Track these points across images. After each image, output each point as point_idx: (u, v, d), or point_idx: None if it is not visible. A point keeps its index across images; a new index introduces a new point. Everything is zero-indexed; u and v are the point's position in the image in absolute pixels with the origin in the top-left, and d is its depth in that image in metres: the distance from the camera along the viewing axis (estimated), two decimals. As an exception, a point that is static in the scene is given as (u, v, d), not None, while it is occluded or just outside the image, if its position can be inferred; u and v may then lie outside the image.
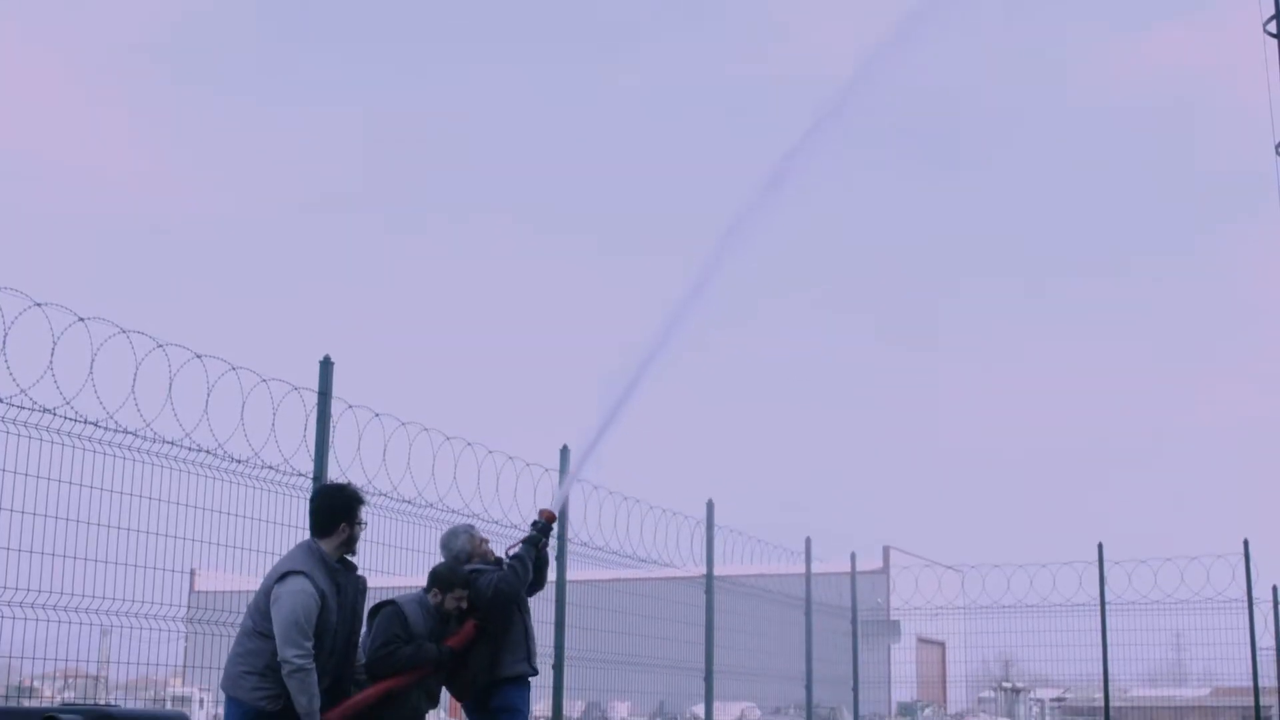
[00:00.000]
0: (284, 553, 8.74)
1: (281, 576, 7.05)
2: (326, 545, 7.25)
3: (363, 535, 7.50)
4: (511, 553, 8.38)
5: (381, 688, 7.61)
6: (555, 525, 8.63)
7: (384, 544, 9.70)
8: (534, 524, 8.53)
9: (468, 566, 8.20)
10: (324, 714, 7.16)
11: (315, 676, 7.01)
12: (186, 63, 77.58)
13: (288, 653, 6.91)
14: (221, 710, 10.88)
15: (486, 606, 8.07)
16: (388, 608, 7.87)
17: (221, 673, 7.36)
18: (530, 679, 8.47)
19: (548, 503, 8.93)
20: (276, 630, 6.94)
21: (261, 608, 7.10)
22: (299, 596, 6.98)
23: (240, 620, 8.59)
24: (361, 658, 7.68)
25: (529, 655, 8.40)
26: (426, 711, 8.13)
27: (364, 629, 7.75)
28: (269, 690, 6.99)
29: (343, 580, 7.24)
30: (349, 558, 7.38)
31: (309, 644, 6.96)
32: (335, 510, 7.33)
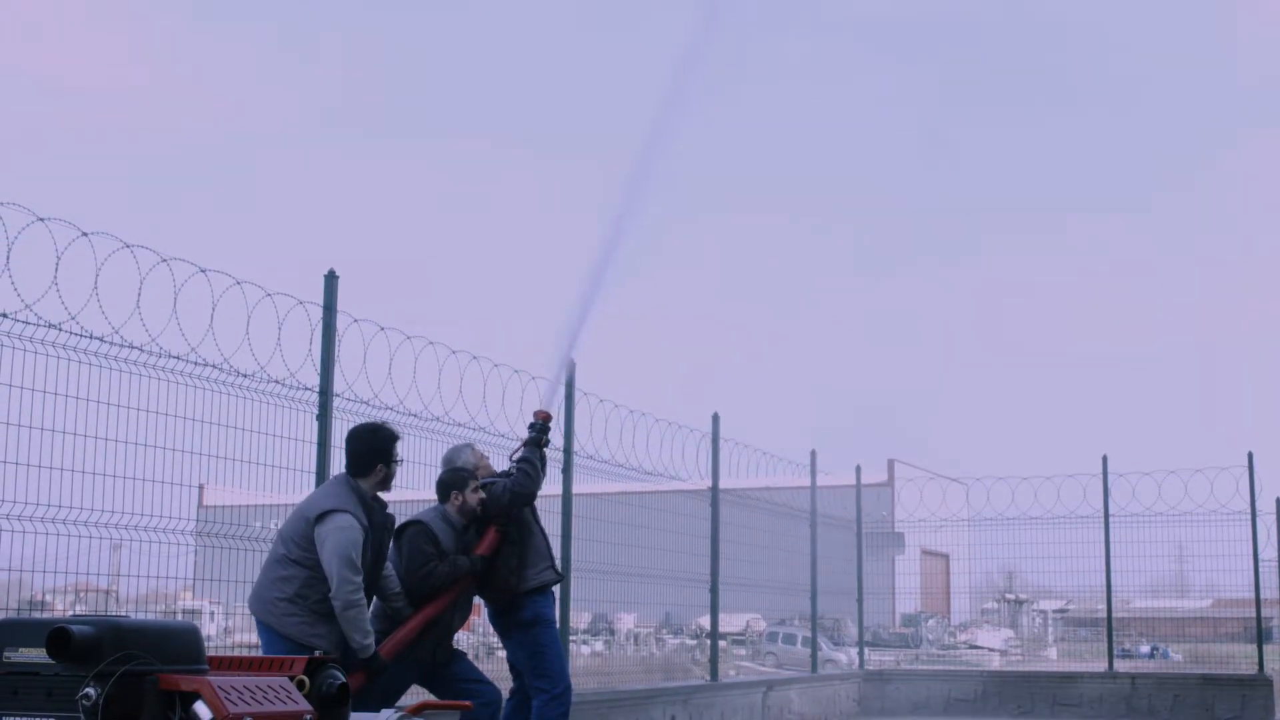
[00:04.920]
0: (291, 466, 8.82)
1: (323, 515, 7.06)
2: (364, 484, 7.28)
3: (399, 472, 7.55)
4: (517, 457, 8.46)
5: (423, 617, 7.69)
6: (551, 423, 8.71)
7: (391, 458, 9.74)
8: (531, 426, 8.61)
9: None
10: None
11: (367, 611, 7.08)
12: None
13: (341, 590, 6.96)
14: (231, 622, 10.99)
15: (505, 512, 8.20)
16: (414, 527, 7.93)
17: (254, 597, 7.36)
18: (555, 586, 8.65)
19: (540, 404, 9.00)
20: (328, 570, 6.97)
21: (294, 537, 7.12)
22: (346, 533, 7.01)
23: (247, 532, 8.66)
24: (391, 583, 7.70)
25: (552, 561, 8.56)
26: (459, 626, 8.23)
27: (391, 552, 7.81)
28: (300, 618, 7.04)
29: (376, 519, 7.28)
30: (381, 495, 7.41)
31: (359, 578, 7.02)
32: (373, 451, 7.34)
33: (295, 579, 7.06)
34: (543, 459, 8.54)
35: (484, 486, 8.23)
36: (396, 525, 7.79)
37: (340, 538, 6.99)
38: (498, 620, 8.53)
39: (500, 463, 8.94)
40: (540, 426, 8.59)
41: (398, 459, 7.47)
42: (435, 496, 8.31)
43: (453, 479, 8.19)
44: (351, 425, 7.79)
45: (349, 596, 6.97)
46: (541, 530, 8.59)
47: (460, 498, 8.10)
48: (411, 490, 9.70)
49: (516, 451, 8.54)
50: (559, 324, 8.86)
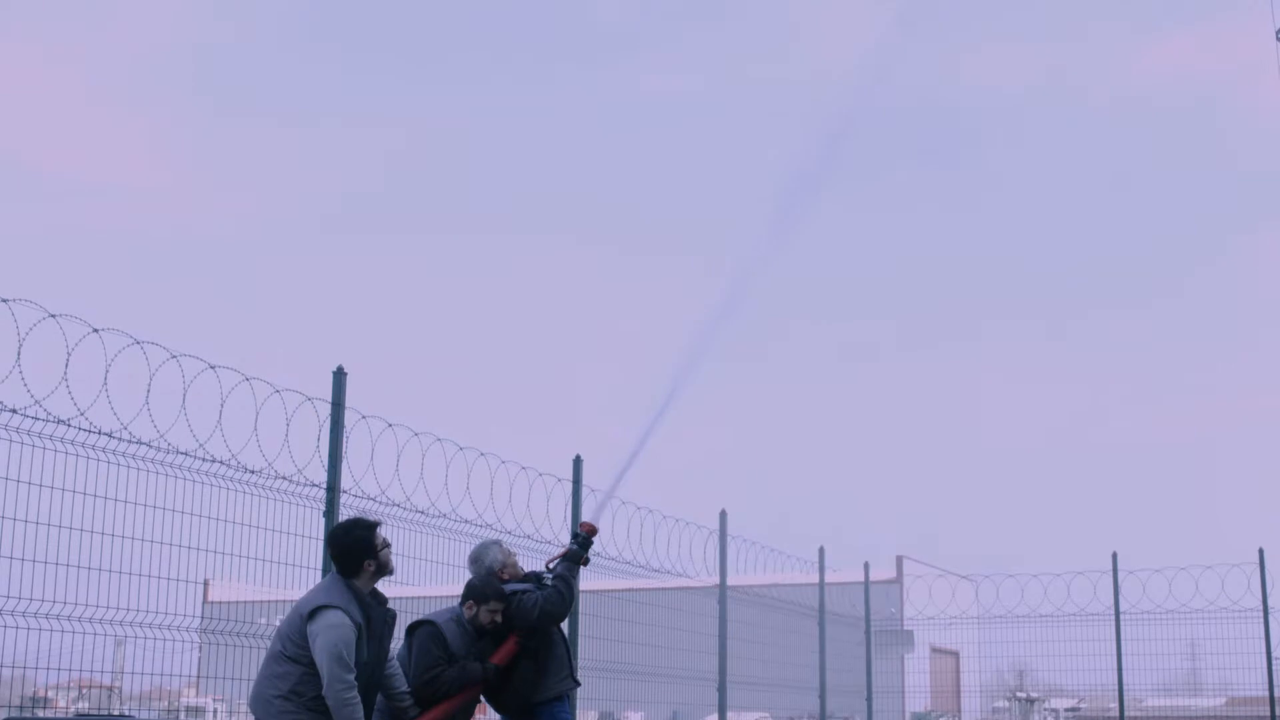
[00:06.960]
0: (296, 563, 8.79)
1: (314, 612, 6.98)
2: (357, 582, 7.19)
3: (394, 554, 7.45)
4: (554, 569, 8.20)
5: (430, 718, 7.56)
6: (596, 539, 8.39)
7: (398, 555, 9.66)
8: (574, 536, 8.37)
9: (507, 587, 8.02)
10: None
11: (361, 709, 7.00)
12: (203, 81, 77.78)
13: (333, 687, 6.87)
14: (235, 720, 10.88)
15: (530, 628, 7.95)
16: (425, 628, 7.79)
17: (253, 694, 7.30)
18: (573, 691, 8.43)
19: (587, 515, 8.68)
20: (320, 667, 6.89)
21: (290, 633, 7.07)
22: (337, 630, 6.93)
23: (252, 629, 8.61)
24: (397, 681, 7.59)
25: (571, 670, 8.33)
26: None
27: (401, 649, 7.73)
28: (295, 715, 6.97)
29: (374, 615, 7.21)
30: (379, 589, 7.33)
31: (351, 675, 6.94)
32: (353, 550, 7.20)
33: (290, 676, 7.00)
34: (578, 572, 8.27)
35: (515, 596, 7.97)
36: (411, 622, 7.72)
37: (331, 635, 6.93)
38: None
39: (528, 556, 8.76)
40: (584, 540, 8.28)
41: (383, 547, 7.30)
42: (439, 592, 8.22)
43: (477, 590, 7.94)
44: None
45: (341, 694, 6.90)
46: (563, 639, 8.32)
47: (474, 609, 7.88)
48: (418, 587, 9.65)
49: (554, 560, 8.27)
50: (619, 442, 8.60)
